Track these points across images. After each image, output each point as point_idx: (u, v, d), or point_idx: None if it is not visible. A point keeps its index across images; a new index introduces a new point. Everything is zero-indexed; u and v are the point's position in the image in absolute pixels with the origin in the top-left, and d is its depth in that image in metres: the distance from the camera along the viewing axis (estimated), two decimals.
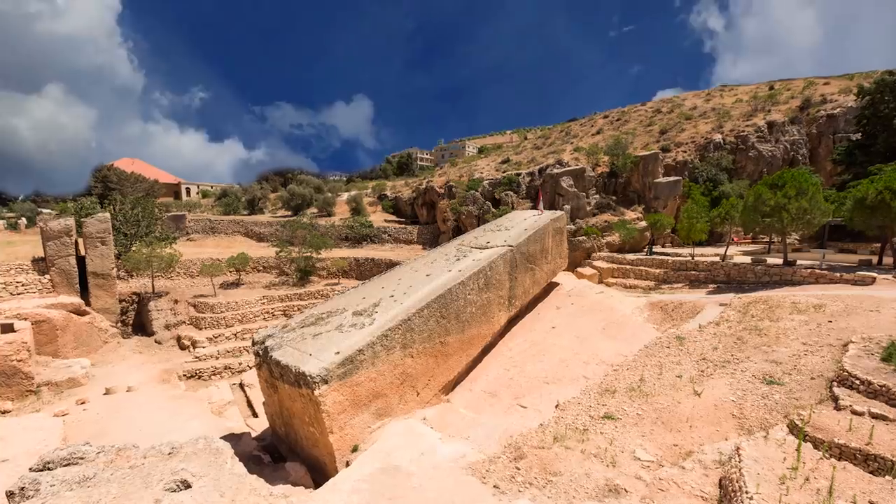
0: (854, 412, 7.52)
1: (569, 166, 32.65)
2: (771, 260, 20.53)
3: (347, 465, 8.27)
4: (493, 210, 33.22)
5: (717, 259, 21.70)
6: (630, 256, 25.98)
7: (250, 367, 18.30)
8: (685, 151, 34.20)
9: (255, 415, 14.84)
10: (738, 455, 6.43)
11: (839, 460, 6.46)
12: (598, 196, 31.14)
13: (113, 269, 21.03)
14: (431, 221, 40.54)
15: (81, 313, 18.57)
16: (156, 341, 20.53)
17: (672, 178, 31.04)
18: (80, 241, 21.29)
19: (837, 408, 7.85)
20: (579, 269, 25.59)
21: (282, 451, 10.62)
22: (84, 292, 20.24)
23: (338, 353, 9.12)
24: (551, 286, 19.78)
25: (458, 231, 33.74)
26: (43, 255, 19.79)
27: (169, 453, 6.21)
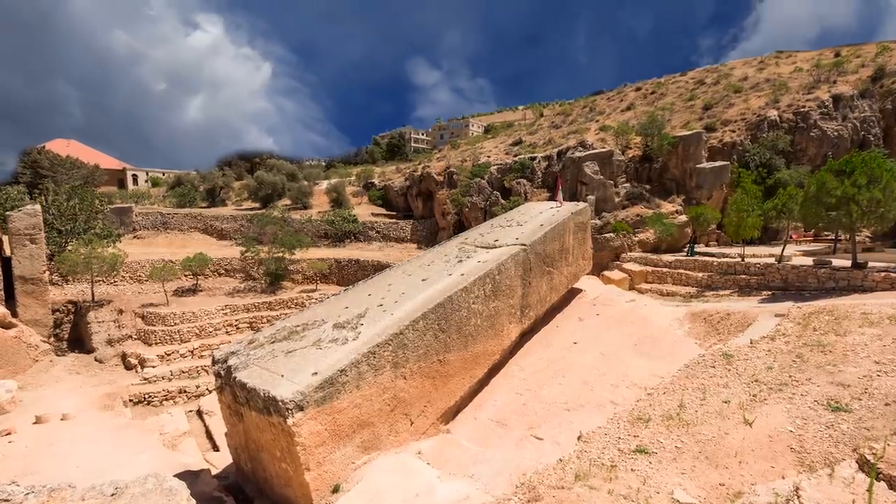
0: None
1: (594, 149, 32.72)
2: (836, 261, 20.56)
3: None
4: (503, 201, 33.32)
5: (772, 260, 21.74)
6: (667, 257, 26.02)
7: (210, 391, 18.31)
8: (734, 131, 34.25)
9: (215, 448, 14.86)
10: (798, 496, 6.43)
11: None
12: (628, 185, 31.20)
13: (45, 272, 21.05)
14: (428, 215, 40.64)
15: (7, 326, 18.57)
16: (96, 359, 20.55)
17: (718, 164, 31.09)
18: (5, 238, 21.31)
19: None
20: (606, 273, 25.66)
21: (248, 491, 10.63)
22: (10, 301, 20.26)
23: (315, 373, 9.13)
24: (572, 293, 19.80)
25: (461, 227, 33.82)
26: None
27: (112, 494, 6.21)
